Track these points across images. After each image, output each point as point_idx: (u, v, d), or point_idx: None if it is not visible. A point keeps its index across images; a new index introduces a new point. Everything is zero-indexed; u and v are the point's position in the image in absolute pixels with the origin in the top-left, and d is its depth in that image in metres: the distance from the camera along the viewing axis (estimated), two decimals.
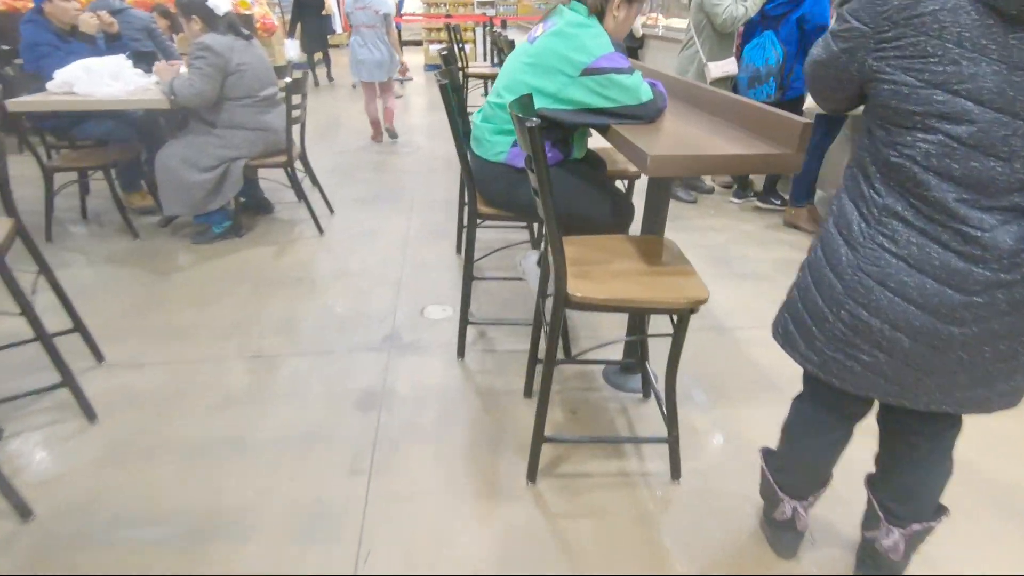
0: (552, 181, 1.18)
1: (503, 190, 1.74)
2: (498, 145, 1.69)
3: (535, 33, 1.64)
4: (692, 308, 1.31)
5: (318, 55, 8.31)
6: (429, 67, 10.07)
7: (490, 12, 9.65)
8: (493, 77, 5.35)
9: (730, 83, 3.28)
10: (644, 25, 6.52)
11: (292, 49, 7.79)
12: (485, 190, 1.79)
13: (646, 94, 1.51)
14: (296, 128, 3.00)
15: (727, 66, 3.21)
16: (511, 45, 3.35)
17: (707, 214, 3.54)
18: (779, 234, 3.23)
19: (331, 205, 3.47)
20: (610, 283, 1.34)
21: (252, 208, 3.38)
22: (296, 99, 2.89)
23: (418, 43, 12.16)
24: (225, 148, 2.81)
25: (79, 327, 1.97)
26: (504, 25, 6.10)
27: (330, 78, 8.88)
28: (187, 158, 2.77)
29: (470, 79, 5.28)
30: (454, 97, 1.77)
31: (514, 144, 1.67)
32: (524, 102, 1.41)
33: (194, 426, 1.76)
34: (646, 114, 1.53)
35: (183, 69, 2.92)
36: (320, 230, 3.16)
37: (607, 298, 1.30)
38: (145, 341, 2.18)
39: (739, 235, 3.20)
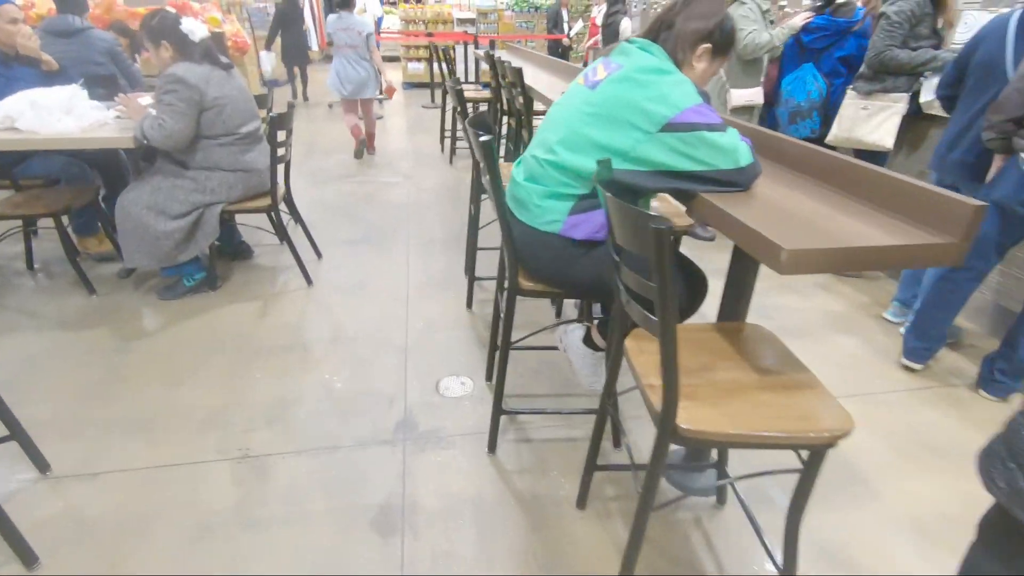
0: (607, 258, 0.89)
1: (557, 266, 1.43)
2: (551, 212, 1.38)
3: (596, 77, 1.35)
4: (831, 443, 1.02)
5: (296, 69, 8.00)
6: (407, 85, 9.76)
7: (471, 30, 9.41)
8: (486, 102, 5.07)
9: (754, 114, 3.06)
10: None
11: (267, 62, 7.41)
12: (531, 263, 1.48)
13: (745, 156, 1.22)
14: (281, 167, 2.64)
15: (752, 95, 2.99)
16: (517, 74, 3.06)
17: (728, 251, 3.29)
18: (811, 277, 3.00)
19: (318, 248, 3.10)
20: (725, 407, 1.04)
21: (229, 254, 3.00)
22: (281, 135, 2.54)
23: (395, 59, 11.84)
24: (199, 192, 2.43)
25: (16, 433, 1.57)
26: (493, 45, 5.82)
27: (305, 97, 8.49)
28: (154, 204, 2.38)
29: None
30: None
31: (573, 211, 1.36)
32: (607, 168, 1.11)
33: (164, 568, 1.38)
34: (744, 181, 1.24)
35: (144, 99, 2.54)
36: (308, 280, 2.79)
37: (730, 433, 1.00)
38: (101, 438, 1.78)
39: (772, 280, 2.95)
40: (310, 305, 2.60)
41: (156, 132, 2.25)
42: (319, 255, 3.09)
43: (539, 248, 1.43)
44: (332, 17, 4.66)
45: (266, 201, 2.59)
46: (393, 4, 11.41)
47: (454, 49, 9.16)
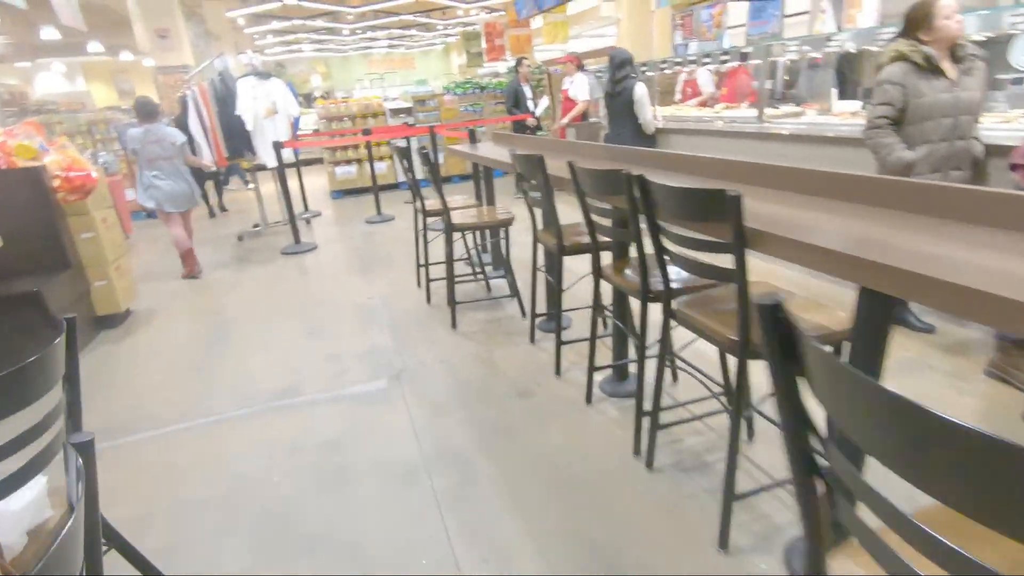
0: None
1: None
2: None
3: None
4: None
5: (208, 184, 7.08)
6: (337, 193, 7.90)
7: (409, 120, 7.77)
8: (491, 227, 3.16)
9: None
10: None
11: None
12: None
13: None
14: None
15: None
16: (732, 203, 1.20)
17: None
18: None
19: None
20: None
21: None
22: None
23: (317, 161, 10.00)
24: None
25: None
26: (473, 136, 4.00)
27: (222, 208, 7.56)
28: None
29: (456, 231, 3.09)
30: None
31: None
32: None
33: None
34: None
35: None
36: None
37: None
38: None
39: None
40: None
41: None
42: None
43: None
44: (136, 131, 4.20)
45: None
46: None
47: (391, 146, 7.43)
